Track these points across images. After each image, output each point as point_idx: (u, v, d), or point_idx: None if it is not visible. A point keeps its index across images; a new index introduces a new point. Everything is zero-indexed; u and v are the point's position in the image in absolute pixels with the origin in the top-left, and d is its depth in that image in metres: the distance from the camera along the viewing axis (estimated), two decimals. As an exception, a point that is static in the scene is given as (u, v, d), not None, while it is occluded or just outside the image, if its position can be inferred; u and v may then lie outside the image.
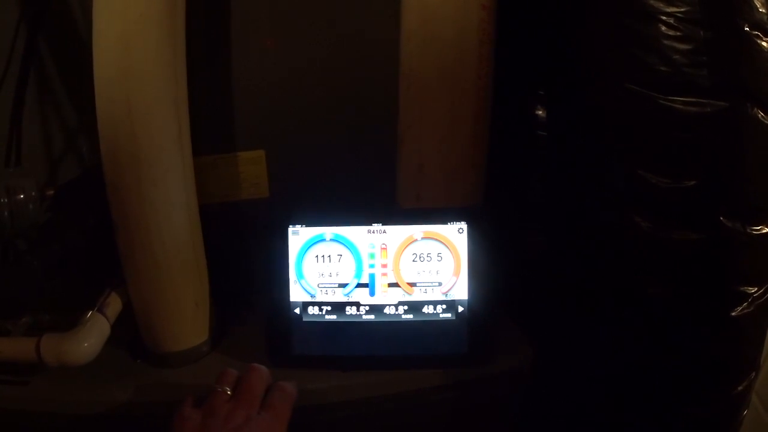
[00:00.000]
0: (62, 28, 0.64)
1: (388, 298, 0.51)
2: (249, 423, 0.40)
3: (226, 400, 0.42)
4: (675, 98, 0.43)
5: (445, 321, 0.51)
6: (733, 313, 0.45)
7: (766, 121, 0.43)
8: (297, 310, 0.51)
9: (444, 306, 0.51)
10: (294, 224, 0.51)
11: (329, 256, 0.51)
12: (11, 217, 0.49)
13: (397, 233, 0.51)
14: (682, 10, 0.42)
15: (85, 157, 0.70)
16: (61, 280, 0.53)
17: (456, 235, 0.51)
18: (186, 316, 0.52)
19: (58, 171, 0.69)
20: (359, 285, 0.51)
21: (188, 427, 0.39)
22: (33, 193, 0.51)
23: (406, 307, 0.51)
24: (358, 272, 0.51)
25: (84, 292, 0.51)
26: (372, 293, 0.51)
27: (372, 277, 0.51)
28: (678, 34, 0.42)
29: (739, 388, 0.47)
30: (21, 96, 0.61)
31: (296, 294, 0.51)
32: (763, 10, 0.43)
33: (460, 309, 0.51)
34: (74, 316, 0.49)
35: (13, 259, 0.55)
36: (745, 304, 0.45)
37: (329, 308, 0.51)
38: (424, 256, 0.51)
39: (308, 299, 0.51)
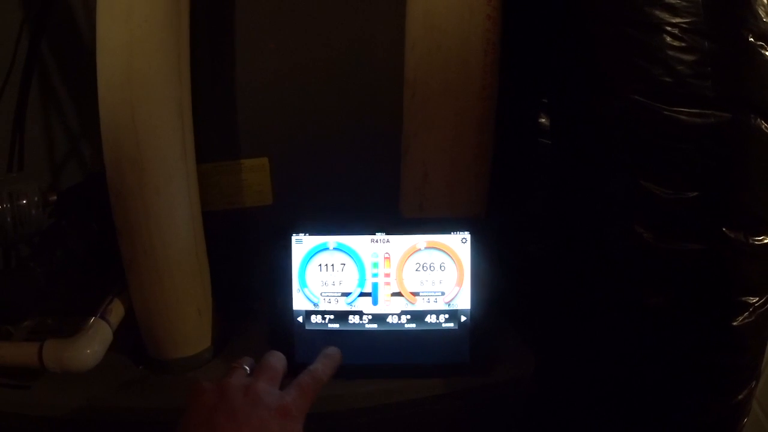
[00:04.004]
0: (65, 32, 0.64)
1: (391, 307, 0.51)
2: (270, 395, 0.37)
3: (245, 376, 0.40)
4: (679, 109, 0.43)
5: (448, 330, 0.51)
6: (735, 323, 0.45)
7: (769, 132, 0.43)
8: (300, 319, 0.51)
9: (447, 315, 0.51)
10: (297, 233, 0.51)
11: (332, 265, 0.51)
12: (14, 222, 0.49)
13: (400, 243, 0.51)
14: (686, 20, 0.42)
15: (88, 163, 0.69)
16: (63, 285, 0.53)
17: (459, 244, 0.51)
18: (188, 323, 0.52)
19: (61, 176, 0.69)
20: (362, 294, 0.51)
21: (207, 399, 0.37)
22: (36, 199, 0.51)
23: (408, 317, 0.51)
24: (361, 281, 0.51)
25: (86, 298, 0.51)
26: (375, 302, 0.51)
27: (375, 286, 0.51)
28: (683, 44, 0.42)
29: (740, 396, 0.48)
30: (24, 100, 0.61)
31: (299, 303, 0.51)
32: (768, 20, 0.43)
33: (463, 318, 0.51)
34: (77, 321, 0.49)
35: (16, 265, 0.55)
36: (747, 313, 0.45)
37: (332, 317, 0.51)
38: (428, 265, 0.51)
39: (311, 308, 0.51)
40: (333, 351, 0.44)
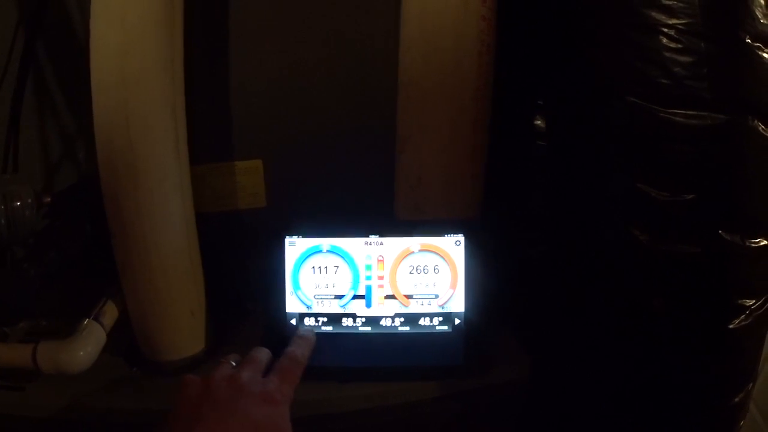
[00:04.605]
0: (60, 34, 0.64)
1: (384, 310, 0.51)
2: (253, 383, 0.38)
3: (231, 369, 0.41)
4: (676, 111, 0.42)
5: (442, 333, 0.51)
6: (731, 326, 0.44)
7: (766, 134, 0.43)
8: (293, 321, 0.51)
9: (440, 318, 0.51)
10: (291, 235, 0.51)
11: (326, 267, 0.51)
12: (8, 224, 0.49)
13: (394, 245, 0.51)
14: (683, 22, 0.42)
15: (83, 164, 0.69)
16: (57, 287, 0.53)
17: (453, 247, 0.51)
18: (182, 325, 0.52)
19: (55, 178, 0.69)
20: (356, 297, 0.51)
21: (192, 391, 0.38)
22: (30, 200, 0.51)
23: (402, 320, 0.51)
24: (355, 284, 0.51)
25: (80, 299, 0.51)
26: (368, 305, 0.51)
27: (368, 289, 0.51)
28: (679, 46, 0.42)
29: (737, 399, 0.47)
30: (18, 102, 0.60)
31: (292, 305, 0.51)
32: (765, 22, 0.43)
33: (457, 321, 0.51)
34: (71, 323, 0.49)
35: (10, 267, 0.55)
36: (743, 316, 0.45)
37: (325, 320, 0.51)
38: (421, 268, 0.51)
39: (304, 310, 0.51)
40: (306, 331, 0.45)
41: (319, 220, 0.51)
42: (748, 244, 0.44)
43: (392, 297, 0.51)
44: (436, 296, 0.51)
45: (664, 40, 0.42)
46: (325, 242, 0.51)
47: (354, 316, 0.51)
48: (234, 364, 0.42)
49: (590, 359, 0.50)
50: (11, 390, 0.50)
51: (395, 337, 0.51)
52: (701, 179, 0.43)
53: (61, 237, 0.53)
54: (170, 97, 0.48)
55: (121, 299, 0.52)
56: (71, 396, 0.49)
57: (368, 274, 0.51)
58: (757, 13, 0.43)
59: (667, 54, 0.42)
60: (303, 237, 0.51)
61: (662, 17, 0.42)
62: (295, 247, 0.51)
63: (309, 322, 0.51)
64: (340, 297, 0.51)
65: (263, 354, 0.43)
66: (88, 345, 0.48)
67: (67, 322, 0.50)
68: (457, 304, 0.51)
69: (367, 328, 0.51)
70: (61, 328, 0.50)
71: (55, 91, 0.66)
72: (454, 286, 0.51)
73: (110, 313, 0.51)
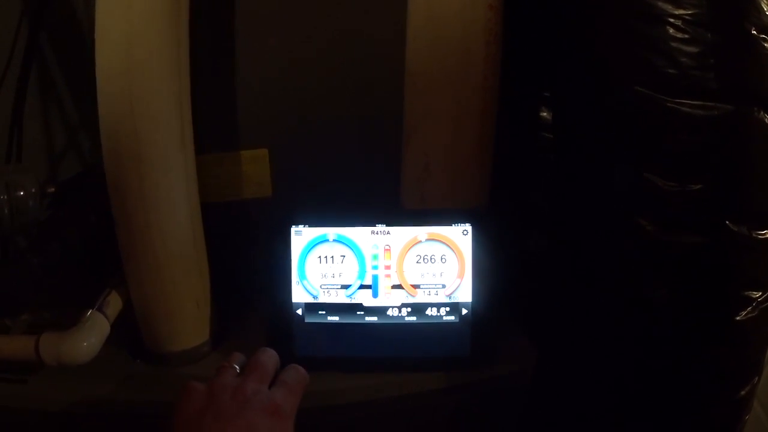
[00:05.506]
0: (65, 23, 0.64)
1: (391, 299, 0.51)
2: (259, 395, 0.37)
3: (235, 376, 0.40)
4: (682, 101, 0.42)
5: (449, 323, 0.51)
6: (738, 318, 0.44)
7: (772, 125, 0.43)
8: (299, 311, 0.51)
9: (447, 308, 0.51)
10: (297, 224, 0.51)
11: (332, 257, 0.51)
12: (11, 213, 0.49)
13: (401, 234, 0.51)
14: (689, 12, 0.42)
15: (87, 154, 0.69)
16: (60, 278, 0.52)
17: (460, 236, 0.51)
18: (187, 316, 0.52)
19: (59, 168, 0.69)
20: (362, 286, 0.51)
21: (195, 400, 0.37)
22: (33, 190, 0.50)
23: (409, 309, 0.51)
24: (362, 273, 0.51)
25: (84, 290, 0.51)
26: (375, 295, 0.51)
27: (375, 278, 0.51)
28: (685, 36, 0.42)
29: (742, 392, 0.47)
30: (22, 92, 0.60)
31: (298, 295, 0.51)
32: (771, 14, 0.43)
33: (464, 311, 0.51)
34: (74, 314, 0.49)
35: (13, 257, 0.54)
36: (750, 308, 0.45)
37: (332, 310, 0.51)
38: (428, 257, 0.51)
39: (311, 300, 0.51)
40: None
41: (326, 209, 0.51)
42: (754, 235, 0.44)
43: (399, 287, 0.51)
44: (444, 286, 0.51)
45: (671, 31, 0.42)
46: (332, 231, 0.51)
47: (360, 306, 0.51)
48: (237, 368, 0.41)
49: (594, 350, 0.50)
50: (14, 382, 0.50)
51: (402, 327, 0.51)
52: (708, 170, 0.43)
53: (65, 227, 0.53)
54: (176, 86, 0.47)
55: (124, 290, 0.51)
56: (74, 388, 0.49)
57: (375, 263, 0.51)
58: (763, 5, 0.43)
59: (674, 44, 0.42)
60: (309, 226, 0.51)
61: (669, 7, 0.42)
62: (301, 236, 0.51)
63: (315, 312, 0.51)
64: (346, 287, 0.51)
65: (269, 359, 0.42)
66: (91, 336, 0.48)
67: (70, 314, 0.49)
68: (465, 294, 0.51)
69: (374, 318, 0.51)
70: (64, 319, 0.50)
71: (59, 80, 0.66)
72: (461, 275, 0.51)
73: (114, 304, 0.51)
